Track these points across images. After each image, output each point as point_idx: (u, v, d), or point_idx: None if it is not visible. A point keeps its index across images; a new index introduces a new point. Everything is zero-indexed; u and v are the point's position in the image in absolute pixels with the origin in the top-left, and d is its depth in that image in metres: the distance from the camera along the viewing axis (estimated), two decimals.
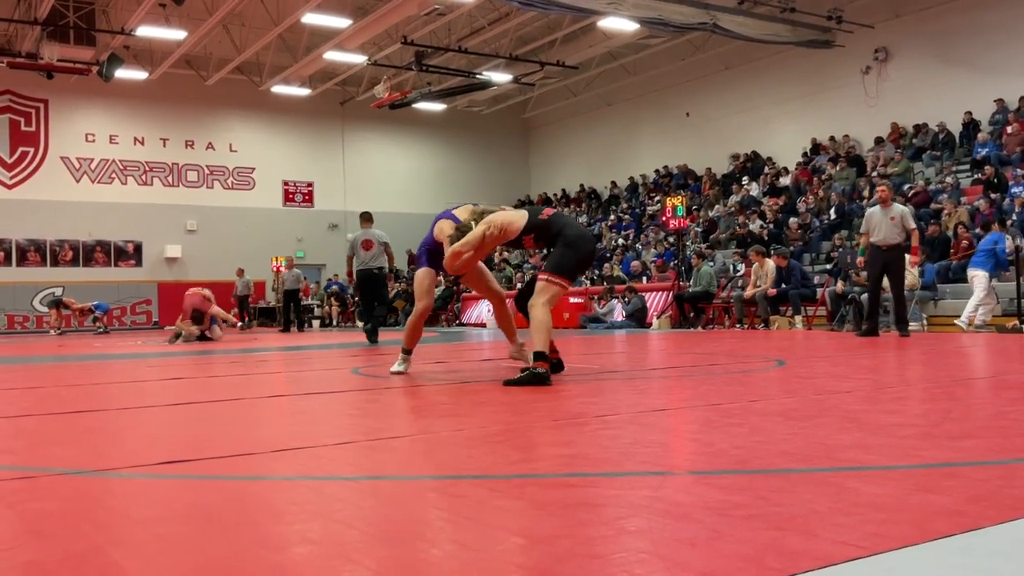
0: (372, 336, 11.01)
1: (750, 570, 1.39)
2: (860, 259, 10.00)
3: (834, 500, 1.90)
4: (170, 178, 25.51)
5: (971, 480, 2.09)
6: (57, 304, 21.14)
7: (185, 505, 2.06)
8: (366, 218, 11.52)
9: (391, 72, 22.89)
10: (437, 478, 2.34)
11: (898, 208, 9.63)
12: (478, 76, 23.20)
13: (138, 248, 24.77)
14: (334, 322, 23.65)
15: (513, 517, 1.84)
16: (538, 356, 4.53)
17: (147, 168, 25.20)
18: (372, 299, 11.38)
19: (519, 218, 4.92)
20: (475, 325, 19.70)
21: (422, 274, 5.68)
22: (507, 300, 5.84)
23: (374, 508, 2.01)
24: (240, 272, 22.50)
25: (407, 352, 5.70)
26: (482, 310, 20.04)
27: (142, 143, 25.12)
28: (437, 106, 26.55)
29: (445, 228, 5.27)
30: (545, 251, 5.02)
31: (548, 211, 4.96)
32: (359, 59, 22.14)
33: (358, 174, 27.81)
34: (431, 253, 5.59)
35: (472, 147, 29.67)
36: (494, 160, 29.99)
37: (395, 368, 5.62)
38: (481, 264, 5.70)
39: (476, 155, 29.74)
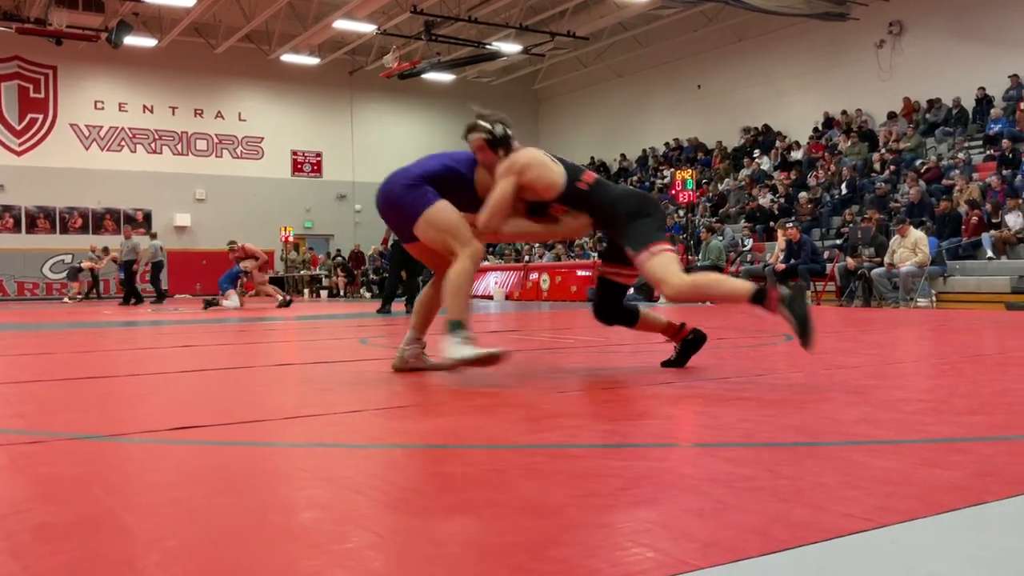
0: (410, 305, 11.25)
1: (756, 541, 1.40)
2: None
3: (841, 474, 1.90)
4: (179, 146, 25.48)
5: (978, 455, 2.09)
6: (76, 273, 21.14)
7: (196, 470, 2.08)
8: None
9: (400, 42, 22.74)
10: (445, 447, 2.35)
11: None
12: (488, 46, 23.03)
13: (147, 216, 24.80)
14: (342, 292, 23.71)
15: (521, 486, 1.85)
16: (759, 294, 3.37)
17: (156, 136, 25.18)
18: (410, 270, 11.56)
19: (558, 179, 3.70)
20: (482, 297, 19.71)
21: (445, 209, 3.73)
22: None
23: (383, 475, 2.02)
24: (127, 233, 19.91)
25: (461, 326, 3.66)
26: (489, 282, 20.04)
27: (151, 111, 25.07)
28: (446, 76, 26.40)
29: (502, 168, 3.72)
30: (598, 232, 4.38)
31: (589, 176, 3.77)
32: (368, 28, 21.99)
33: (366, 144, 27.72)
34: (441, 182, 3.82)
35: None
36: None
37: (463, 353, 3.59)
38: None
39: None
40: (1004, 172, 14.34)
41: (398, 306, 11.57)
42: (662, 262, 3.53)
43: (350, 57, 26.09)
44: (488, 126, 3.76)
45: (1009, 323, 7.75)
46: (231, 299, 13.80)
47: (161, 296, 18.92)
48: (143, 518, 1.63)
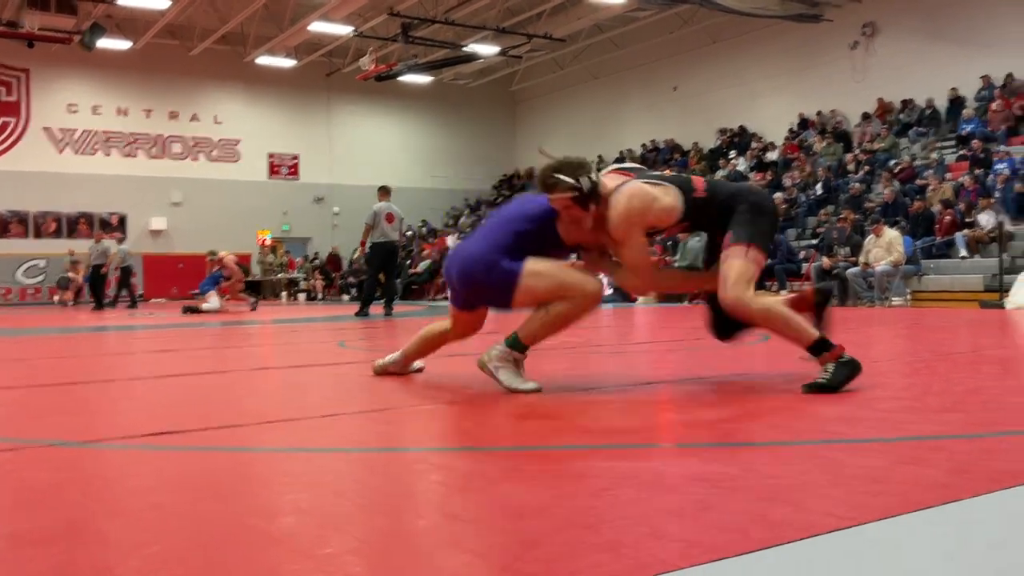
0: (388, 307, 11.38)
1: (734, 540, 1.41)
2: None
3: (821, 472, 1.92)
4: (154, 150, 25.27)
5: (954, 453, 2.12)
6: (67, 282, 21.06)
7: (177, 475, 2.07)
8: (385, 191, 11.59)
9: (377, 44, 22.68)
10: (427, 450, 2.35)
11: None
12: (465, 48, 23.02)
13: (123, 220, 24.56)
14: (320, 295, 23.61)
15: (501, 488, 1.85)
16: (820, 346, 3.11)
17: (131, 139, 24.95)
18: (388, 272, 11.64)
19: (675, 200, 3.26)
20: None
21: (535, 272, 3.31)
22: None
23: (364, 479, 2.02)
24: (98, 237, 19.65)
25: (521, 348, 3.39)
26: None
27: (125, 114, 24.85)
28: (424, 79, 26.35)
29: (621, 202, 3.21)
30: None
31: (699, 181, 3.37)
32: (345, 30, 21.91)
33: (344, 147, 27.63)
34: (518, 251, 3.34)
35: (459, 120, 29.49)
36: (481, 133, 29.85)
37: (516, 384, 3.31)
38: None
39: (463, 128, 29.57)
40: (976, 172, 14.51)
41: (376, 309, 11.54)
42: (746, 270, 3.17)
43: (327, 59, 25.99)
44: (572, 181, 3.15)
45: (982, 321, 7.85)
46: (211, 301, 13.74)
47: (135, 301, 18.77)
48: (123, 524, 1.62)
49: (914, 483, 1.79)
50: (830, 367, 3.06)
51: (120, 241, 19.01)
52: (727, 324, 3.44)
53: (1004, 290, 11.12)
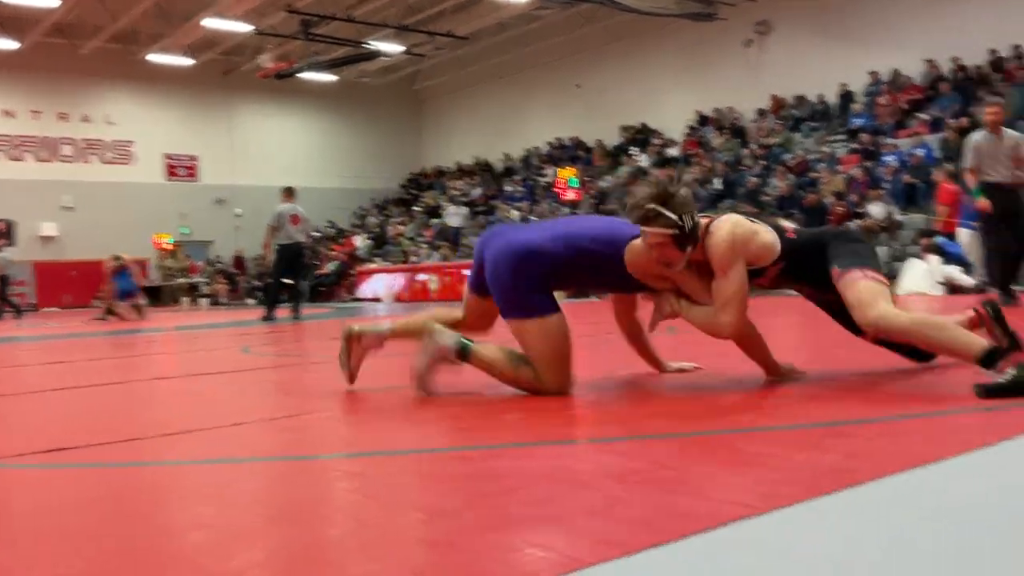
0: (296, 311, 11.13)
1: (644, 534, 1.43)
2: (982, 201, 7.02)
3: (725, 461, 1.97)
4: (43, 152, 24.19)
5: (852, 438, 2.20)
6: None
7: (74, 495, 1.98)
8: (290, 192, 11.39)
9: (276, 41, 22.23)
10: (334, 456, 2.32)
11: (1014, 135, 7.20)
12: (366, 46, 22.77)
13: (10, 226, 23.43)
14: (223, 300, 23.02)
15: (413, 492, 1.84)
16: (993, 355, 2.59)
17: (18, 142, 23.84)
18: (293, 274, 11.40)
19: (773, 237, 3.04)
20: (370, 300, 19.50)
21: (550, 332, 3.01)
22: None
23: (270, 489, 1.98)
24: None
25: (464, 358, 3.07)
26: (378, 285, 19.85)
27: (13, 116, 23.73)
28: (327, 77, 25.96)
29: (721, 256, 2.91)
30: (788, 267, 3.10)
31: (786, 224, 3.20)
32: (242, 27, 21.41)
33: (245, 147, 26.98)
34: (574, 267, 3.07)
35: (364, 119, 29.16)
36: (386, 132, 29.57)
37: (424, 378, 3.11)
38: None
39: (368, 127, 29.25)
40: (866, 164, 15.14)
41: (284, 312, 11.32)
42: (875, 288, 2.85)
43: (225, 57, 25.34)
44: (675, 217, 2.81)
45: None
46: (135, 302, 13.47)
47: (19, 311, 17.92)
48: (14, 551, 1.54)
49: (816, 469, 1.84)
50: (1012, 371, 2.52)
51: (1, 248, 18.12)
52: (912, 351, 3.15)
53: (893, 277, 11.64)
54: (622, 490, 1.74)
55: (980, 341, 2.70)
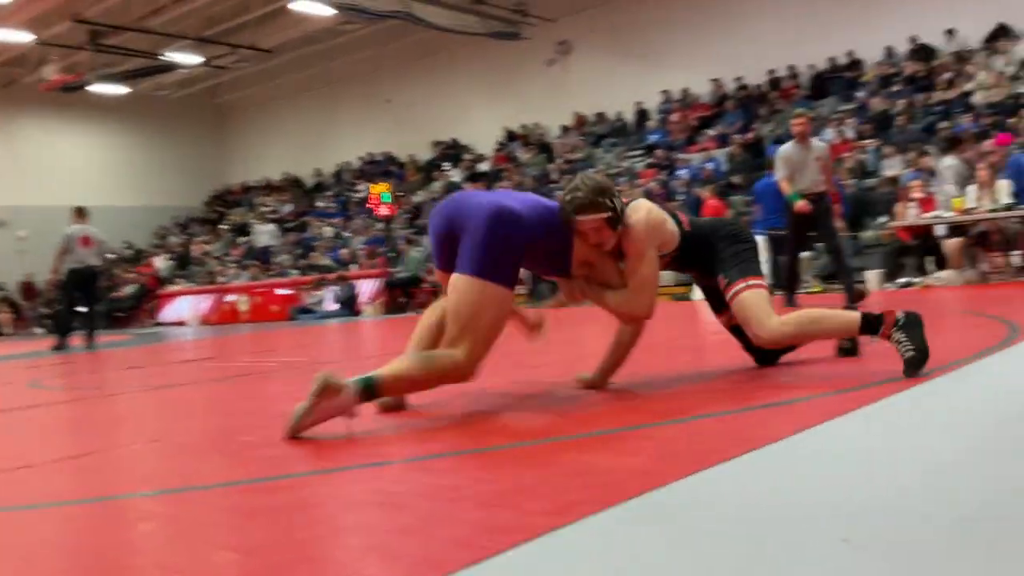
0: (90, 339, 10.36)
1: (461, 552, 1.44)
2: (801, 204, 7.13)
3: (537, 473, 2.02)
4: None
5: (659, 440, 2.30)
6: None
7: None
8: (81, 212, 10.59)
9: (62, 52, 20.76)
10: (134, 496, 2.18)
11: (820, 145, 7.55)
12: (162, 58, 21.69)
13: None
14: (7, 330, 21.12)
15: (222, 530, 1.76)
16: (871, 323, 2.94)
17: None
18: (85, 299, 10.61)
19: (675, 227, 3.23)
20: (174, 324, 18.52)
21: (496, 302, 2.89)
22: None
23: (65, 536, 1.84)
24: None
25: (373, 395, 2.80)
26: (182, 308, 18.89)
27: None
28: (119, 89, 24.48)
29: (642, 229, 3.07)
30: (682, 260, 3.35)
31: (683, 216, 3.36)
32: (24, 37, 19.84)
33: (30, 164, 24.92)
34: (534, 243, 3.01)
35: (163, 133, 27.69)
36: (186, 147, 28.21)
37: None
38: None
39: (166, 141, 27.79)
40: (662, 177, 16.01)
41: (77, 341, 10.54)
42: (761, 299, 3.10)
43: (5, 69, 23.38)
44: (610, 202, 2.98)
45: (676, 314, 8.63)
46: None
47: None
48: None
49: (623, 473, 1.92)
50: (899, 336, 2.87)
51: None
52: (766, 353, 3.41)
53: (690, 284, 12.33)
54: (438, 508, 1.75)
55: (854, 315, 3.02)
